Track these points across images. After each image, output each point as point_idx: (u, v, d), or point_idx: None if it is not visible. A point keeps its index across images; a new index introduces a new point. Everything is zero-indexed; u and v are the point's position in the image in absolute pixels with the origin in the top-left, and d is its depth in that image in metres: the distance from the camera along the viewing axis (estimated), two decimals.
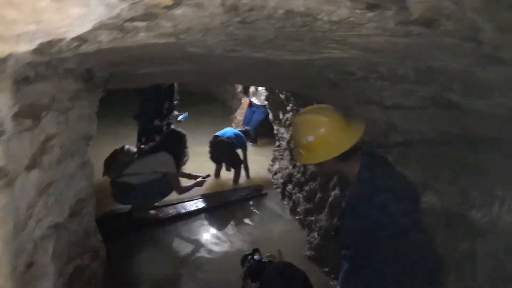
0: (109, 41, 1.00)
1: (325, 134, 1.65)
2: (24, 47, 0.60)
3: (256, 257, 1.98)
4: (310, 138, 1.66)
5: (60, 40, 0.86)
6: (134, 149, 4.09)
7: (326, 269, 3.32)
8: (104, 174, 3.82)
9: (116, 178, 3.87)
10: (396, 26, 1.25)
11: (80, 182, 2.00)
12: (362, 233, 1.71)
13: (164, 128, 5.07)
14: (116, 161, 3.80)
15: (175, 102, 5.29)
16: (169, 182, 4.04)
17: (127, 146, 4.01)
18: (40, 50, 0.79)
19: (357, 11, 1.17)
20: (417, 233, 1.65)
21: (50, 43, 0.77)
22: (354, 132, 1.68)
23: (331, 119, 1.67)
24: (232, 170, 5.55)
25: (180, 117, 5.45)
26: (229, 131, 5.54)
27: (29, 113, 1.18)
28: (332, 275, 3.19)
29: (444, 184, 2.02)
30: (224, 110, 7.99)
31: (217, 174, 5.60)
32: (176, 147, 4.14)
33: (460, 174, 1.96)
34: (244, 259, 2.00)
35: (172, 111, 5.28)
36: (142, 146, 4.38)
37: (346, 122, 1.71)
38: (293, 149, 1.86)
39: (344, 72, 2.22)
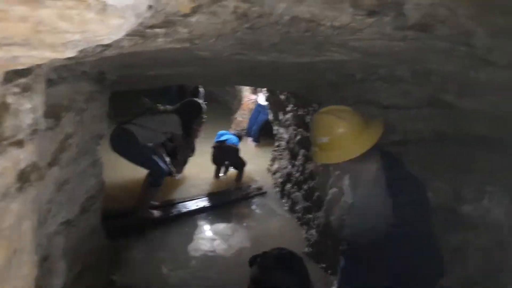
0: (131, 46, 1.08)
1: (340, 137, 1.64)
2: (69, 54, 0.67)
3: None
4: (325, 140, 1.66)
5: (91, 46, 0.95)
6: (151, 104, 4.02)
7: (324, 265, 3.40)
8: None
9: (123, 123, 3.82)
10: (393, 31, 1.34)
11: (91, 179, 2.08)
12: (370, 230, 1.75)
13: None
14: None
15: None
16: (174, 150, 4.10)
17: (146, 99, 3.97)
18: (75, 56, 0.87)
19: (358, 17, 1.25)
20: (424, 237, 1.68)
21: (83, 50, 0.85)
22: (371, 134, 1.66)
23: (348, 123, 1.65)
24: (231, 171, 5.67)
25: None
26: (229, 135, 5.62)
27: (51, 114, 1.26)
28: (329, 271, 3.27)
29: (438, 181, 2.11)
30: (224, 111, 8.07)
31: (217, 175, 5.69)
32: (191, 116, 4.12)
33: (454, 171, 2.05)
34: (253, 260, 2.02)
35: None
36: (159, 105, 4.14)
37: (365, 124, 1.70)
38: (311, 146, 1.88)
39: (344, 74, 2.31)
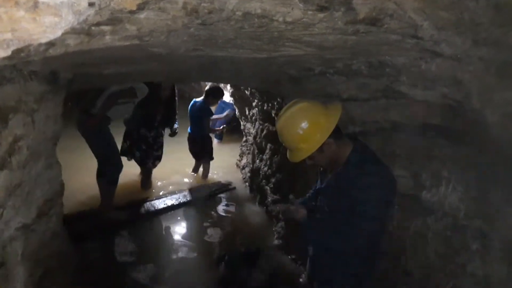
0: (76, 44, 1.04)
1: (314, 115, 1.72)
2: (2, 54, 0.65)
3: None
4: (304, 125, 1.70)
5: (29, 45, 0.91)
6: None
7: (294, 256, 3.46)
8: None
9: (87, 109, 3.72)
10: (345, 25, 1.37)
11: (47, 182, 2.01)
12: (338, 213, 1.80)
13: (150, 139, 4.78)
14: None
15: (175, 114, 4.99)
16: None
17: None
18: (11, 55, 0.83)
19: (309, 12, 1.27)
20: (385, 221, 1.78)
21: (21, 49, 0.81)
22: (334, 109, 1.77)
23: (310, 102, 1.77)
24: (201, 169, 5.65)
25: (174, 129, 5.14)
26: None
27: None
28: (299, 262, 3.33)
29: (399, 168, 2.18)
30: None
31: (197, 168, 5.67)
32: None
33: (412, 159, 2.12)
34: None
35: (166, 125, 4.98)
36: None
37: (322, 103, 1.80)
38: (287, 153, 1.89)
39: (303, 68, 2.34)
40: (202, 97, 5.28)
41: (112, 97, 3.66)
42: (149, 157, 4.83)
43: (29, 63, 1.45)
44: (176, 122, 5.06)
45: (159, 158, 4.98)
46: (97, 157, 3.96)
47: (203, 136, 5.39)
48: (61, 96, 2.02)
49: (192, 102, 5.37)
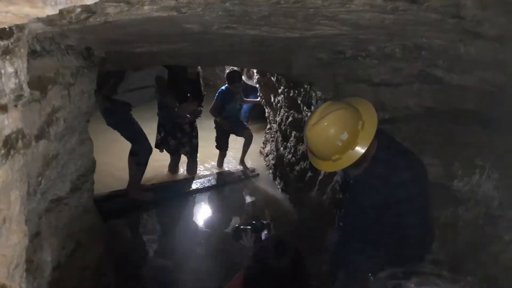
0: (116, 13, 1.06)
1: (353, 123, 1.56)
2: (49, 11, 0.66)
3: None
4: (344, 136, 1.53)
5: (73, 10, 0.93)
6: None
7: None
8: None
9: (109, 95, 3.73)
10: (383, 2, 1.33)
11: (80, 158, 2.07)
12: (369, 208, 1.77)
13: (186, 126, 4.68)
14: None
15: (202, 95, 4.79)
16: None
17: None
18: (53, 20, 0.85)
19: None
20: (424, 212, 1.68)
21: (66, 12, 0.83)
22: (368, 112, 1.61)
23: (346, 108, 1.57)
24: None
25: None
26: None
27: (37, 85, 1.23)
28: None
29: (429, 156, 2.13)
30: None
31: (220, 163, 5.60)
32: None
33: (444, 147, 2.07)
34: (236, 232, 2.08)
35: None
36: None
37: (352, 105, 1.63)
38: (316, 161, 1.72)
39: (334, 51, 2.30)
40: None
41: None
42: (185, 145, 4.80)
43: (66, 37, 1.48)
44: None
45: (197, 146, 4.97)
46: (128, 140, 4.05)
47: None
48: (94, 73, 2.07)
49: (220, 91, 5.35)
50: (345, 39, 1.89)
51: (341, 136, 1.53)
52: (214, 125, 5.41)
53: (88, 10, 0.97)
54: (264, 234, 2.09)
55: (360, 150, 1.55)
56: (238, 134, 5.44)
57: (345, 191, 1.94)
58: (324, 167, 1.70)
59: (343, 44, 2.04)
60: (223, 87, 5.31)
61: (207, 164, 5.56)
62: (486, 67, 1.62)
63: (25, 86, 0.89)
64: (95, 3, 0.93)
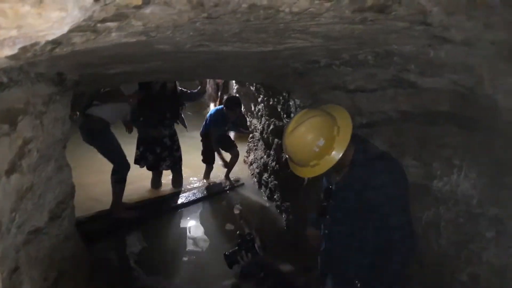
0: (82, 42, 1.03)
1: (329, 129, 1.60)
2: (8, 52, 0.64)
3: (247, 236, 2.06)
4: (321, 142, 1.57)
5: (36, 44, 0.90)
6: None
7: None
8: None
9: (86, 109, 3.68)
10: (352, 13, 1.34)
11: (58, 185, 2.01)
12: (352, 212, 1.78)
13: (166, 140, 4.70)
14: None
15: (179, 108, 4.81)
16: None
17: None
18: (18, 55, 0.82)
19: (316, 1, 1.25)
20: (405, 214, 1.71)
21: (27, 48, 0.81)
22: (343, 117, 1.66)
23: (321, 115, 1.61)
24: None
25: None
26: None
27: (6, 119, 1.20)
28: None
29: (409, 158, 2.16)
30: (195, 104, 7.97)
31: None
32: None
33: (422, 148, 2.10)
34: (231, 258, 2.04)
35: (176, 119, 4.81)
36: None
37: (328, 111, 1.67)
38: (295, 168, 1.76)
39: (308, 61, 2.32)
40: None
41: (99, 98, 3.65)
42: (165, 159, 4.75)
43: (35, 65, 1.45)
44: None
45: (180, 159, 4.93)
46: (104, 156, 3.99)
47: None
48: (68, 98, 2.03)
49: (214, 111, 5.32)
50: (317, 50, 1.90)
51: (317, 142, 1.57)
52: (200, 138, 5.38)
53: (52, 42, 0.94)
54: (256, 245, 2.06)
55: (337, 155, 1.60)
56: (225, 150, 5.38)
57: (328, 198, 1.95)
58: (303, 173, 1.73)
59: (316, 54, 2.05)
60: (217, 108, 5.23)
61: (199, 175, 5.56)
62: (456, 70, 1.66)
63: None
64: (61, 35, 0.91)
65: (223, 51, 1.88)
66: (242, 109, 5.62)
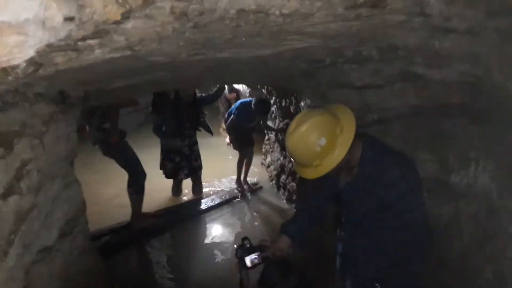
0: (65, 61, 1.02)
1: (330, 128, 1.56)
2: None
3: (245, 242, 2.03)
4: (322, 141, 1.53)
5: (15, 66, 0.89)
6: None
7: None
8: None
9: (100, 125, 3.73)
10: (345, 11, 1.29)
11: (67, 202, 2.02)
12: (367, 212, 1.74)
13: (185, 149, 4.68)
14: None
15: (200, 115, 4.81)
16: None
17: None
18: None
19: (306, 1, 1.20)
20: (420, 211, 1.65)
21: (8, 71, 0.79)
22: (347, 116, 1.61)
23: (322, 114, 1.58)
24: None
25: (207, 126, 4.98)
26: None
27: (0, 142, 1.20)
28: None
29: (423, 153, 2.08)
30: (210, 110, 8.01)
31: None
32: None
33: (436, 142, 2.02)
34: (237, 251, 2.03)
35: (197, 127, 4.81)
36: None
37: (331, 111, 1.63)
38: (299, 169, 1.72)
39: (312, 60, 2.26)
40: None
41: (113, 109, 3.68)
42: (183, 168, 4.75)
43: (32, 85, 1.45)
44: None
45: (200, 167, 4.94)
46: (122, 167, 4.04)
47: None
48: (73, 115, 2.03)
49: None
50: (317, 50, 1.84)
51: (319, 142, 1.54)
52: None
53: (33, 63, 0.93)
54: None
55: (340, 154, 1.55)
56: (242, 146, 5.26)
57: (336, 202, 1.91)
58: (307, 174, 1.68)
59: (318, 54, 2.00)
60: (244, 102, 5.13)
61: (223, 179, 5.61)
62: (463, 60, 1.58)
63: None
64: (39, 56, 0.90)
65: (222, 58, 1.86)
66: None
